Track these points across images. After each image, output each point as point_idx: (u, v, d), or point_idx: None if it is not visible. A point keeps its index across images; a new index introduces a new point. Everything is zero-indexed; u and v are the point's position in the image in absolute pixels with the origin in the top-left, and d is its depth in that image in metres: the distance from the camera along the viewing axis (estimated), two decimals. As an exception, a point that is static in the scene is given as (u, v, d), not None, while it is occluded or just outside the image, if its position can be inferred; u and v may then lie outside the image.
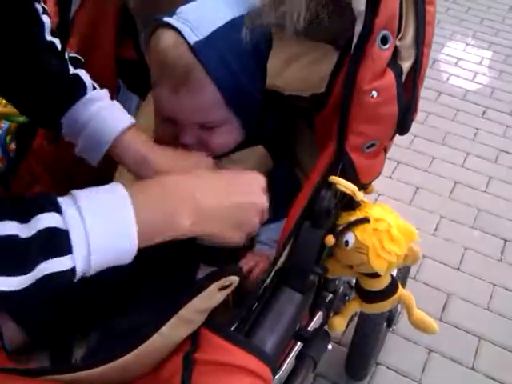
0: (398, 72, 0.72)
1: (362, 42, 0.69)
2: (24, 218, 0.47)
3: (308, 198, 0.70)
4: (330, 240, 0.68)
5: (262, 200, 0.65)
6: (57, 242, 0.47)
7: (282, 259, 0.69)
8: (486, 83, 2.50)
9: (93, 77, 0.90)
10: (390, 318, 1.25)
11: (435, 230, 1.77)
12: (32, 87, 0.76)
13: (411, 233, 0.72)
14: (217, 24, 0.74)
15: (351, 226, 0.70)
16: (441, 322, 1.48)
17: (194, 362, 0.58)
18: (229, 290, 0.61)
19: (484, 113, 2.32)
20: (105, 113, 0.76)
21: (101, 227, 0.49)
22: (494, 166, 2.05)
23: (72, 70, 0.78)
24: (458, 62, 2.64)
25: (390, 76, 0.71)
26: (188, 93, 0.73)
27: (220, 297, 0.61)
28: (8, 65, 0.73)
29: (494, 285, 1.60)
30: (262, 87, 0.80)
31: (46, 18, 0.76)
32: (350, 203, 0.73)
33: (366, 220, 0.70)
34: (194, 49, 0.72)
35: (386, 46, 0.70)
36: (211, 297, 0.60)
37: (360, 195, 0.71)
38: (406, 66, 0.74)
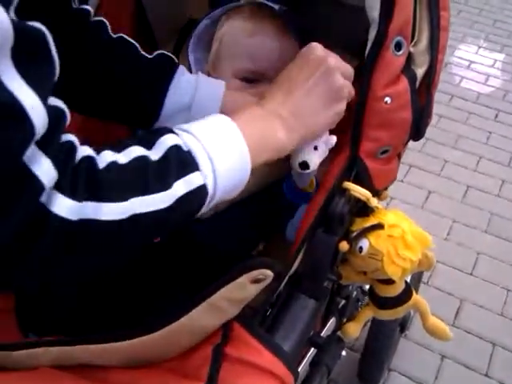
0: (412, 78, 0.72)
1: (376, 48, 0.69)
2: (148, 145, 0.49)
3: (321, 204, 0.70)
4: (344, 246, 0.68)
5: (336, 62, 0.66)
6: (184, 159, 0.49)
7: (296, 265, 0.69)
8: (498, 86, 2.48)
9: None
10: (403, 323, 1.25)
11: (448, 234, 1.75)
12: (124, 86, 0.75)
13: (426, 239, 0.72)
14: None
15: (365, 232, 0.70)
16: (454, 328, 1.47)
17: (223, 357, 0.59)
18: (263, 285, 0.60)
19: (496, 116, 2.30)
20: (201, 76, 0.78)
21: (217, 145, 0.52)
22: (507, 170, 2.03)
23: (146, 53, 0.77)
24: (470, 65, 2.62)
25: (404, 82, 0.71)
26: (280, 41, 0.83)
27: (253, 290, 0.60)
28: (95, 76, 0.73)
29: (508, 290, 1.59)
30: None
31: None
32: (364, 209, 0.73)
33: (380, 226, 0.69)
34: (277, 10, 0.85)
35: (400, 52, 0.70)
36: (242, 288, 0.59)
37: (374, 201, 0.71)
38: (420, 71, 0.74)
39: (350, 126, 0.73)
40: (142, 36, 0.93)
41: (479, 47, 2.77)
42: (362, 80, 0.70)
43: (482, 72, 2.57)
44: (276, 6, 0.86)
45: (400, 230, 0.70)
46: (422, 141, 2.29)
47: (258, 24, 0.84)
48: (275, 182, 0.87)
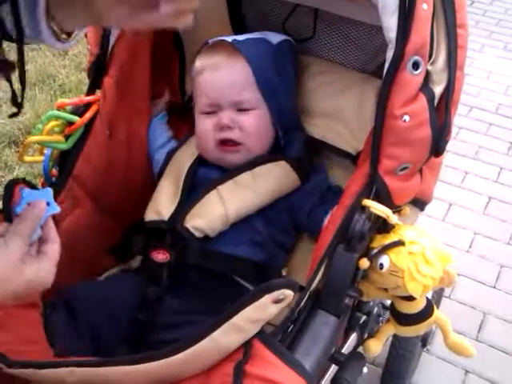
0: (431, 96, 0.73)
1: (393, 68, 0.70)
2: None
3: (341, 221, 0.71)
4: (365, 263, 0.68)
5: None
6: None
7: (316, 282, 0.70)
8: (518, 96, 2.46)
9: (130, 103, 0.94)
10: (425, 338, 1.24)
11: (469, 246, 1.73)
12: None
13: (447, 255, 0.72)
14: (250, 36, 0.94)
15: (386, 248, 0.70)
16: (477, 342, 1.45)
17: (244, 374, 0.60)
18: (283, 304, 0.62)
19: (517, 126, 2.27)
20: None
21: None
22: (529, 181, 2.01)
23: None
24: (489, 76, 2.60)
25: (423, 100, 0.72)
26: (227, 70, 0.88)
27: (274, 310, 0.62)
28: None
29: (532, 303, 1.56)
30: (291, 98, 0.93)
31: None
32: (384, 226, 0.74)
33: (401, 243, 0.70)
34: (233, 42, 0.90)
35: (418, 72, 0.71)
36: (264, 308, 0.61)
37: (394, 218, 0.72)
38: (438, 89, 0.75)
39: (369, 144, 0.74)
40: (176, 51, 1.03)
41: (498, 57, 2.75)
42: (380, 99, 0.72)
43: (502, 82, 2.55)
44: (229, 39, 0.92)
45: (420, 246, 0.70)
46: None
47: (209, 60, 0.91)
48: (285, 196, 0.89)
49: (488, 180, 2.00)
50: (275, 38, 0.95)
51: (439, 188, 1.95)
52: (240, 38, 0.93)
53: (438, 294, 1.12)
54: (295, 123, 0.95)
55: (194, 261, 0.81)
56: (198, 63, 0.93)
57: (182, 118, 1.04)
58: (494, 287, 1.61)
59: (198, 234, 0.83)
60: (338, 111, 0.95)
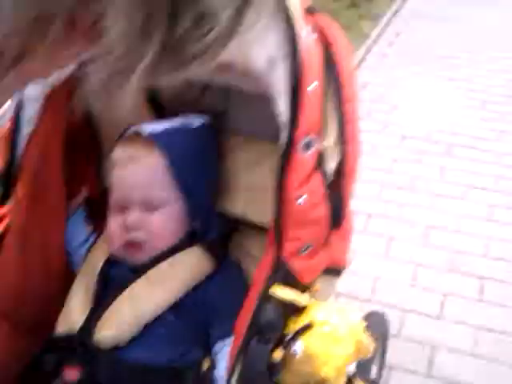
0: (325, 173, 0.74)
1: (286, 151, 0.71)
2: None
3: (252, 313, 0.70)
4: (278, 355, 0.67)
5: None
6: None
7: (235, 379, 0.69)
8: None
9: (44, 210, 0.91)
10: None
11: (412, 279, 1.77)
12: None
13: (357, 326, 0.72)
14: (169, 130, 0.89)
15: (298, 334, 0.70)
16: (431, 379, 1.46)
17: None
18: None
19: (448, 151, 2.35)
20: None
21: None
22: (463, 204, 2.07)
23: None
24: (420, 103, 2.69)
25: (317, 179, 0.73)
26: (138, 166, 0.86)
27: None
28: None
29: (478, 328, 1.59)
30: (211, 185, 0.91)
31: None
32: (297, 308, 0.73)
33: (309, 326, 0.69)
34: (149, 134, 0.87)
35: (310, 151, 0.72)
36: None
37: (304, 299, 0.72)
38: (333, 164, 0.76)
39: (272, 229, 0.75)
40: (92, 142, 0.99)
41: (429, 84, 2.85)
42: (276, 183, 0.73)
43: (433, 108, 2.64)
44: (147, 129, 0.88)
45: (329, 326, 0.70)
46: (377, 188, 2.26)
47: (121, 154, 0.88)
48: (198, 284, 0.86)
49: (423, 208, 2.05)
50: (195, 121, 0.92)
51: (379, 222, 2.00)
52: (159, 126, 0.89)
53: (365, 363, 1.08)
54: (213, 210, 0.92)
55: (106, 376, 0.77)
56: (112, 157, 0.89)
57: (102, 208, 0.97)
58: (439, 318, 1.63)
59: (108, 345, 0.79)
60: (256, 184, 0.92)
